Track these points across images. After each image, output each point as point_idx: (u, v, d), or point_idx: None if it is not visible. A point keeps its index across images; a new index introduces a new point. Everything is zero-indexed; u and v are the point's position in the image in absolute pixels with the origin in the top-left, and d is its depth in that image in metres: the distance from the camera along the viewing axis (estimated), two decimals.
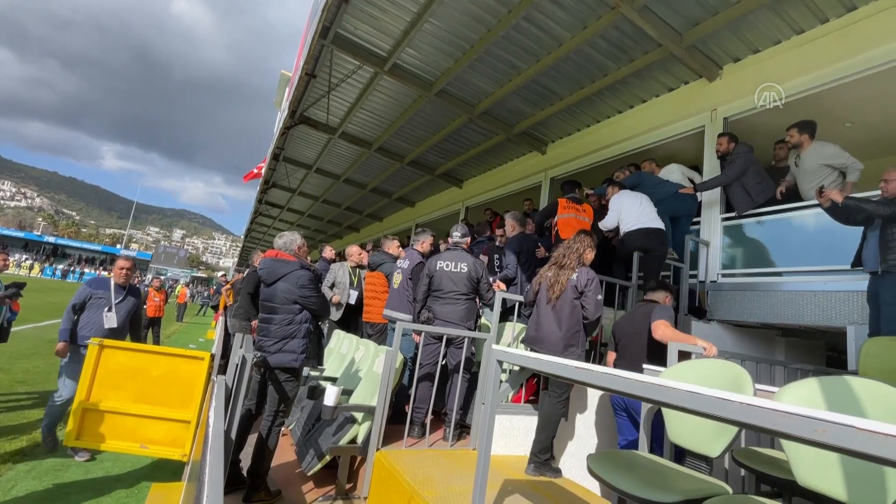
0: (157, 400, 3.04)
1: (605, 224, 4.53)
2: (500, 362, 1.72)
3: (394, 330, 3.21)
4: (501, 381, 1.81)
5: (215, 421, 1.62)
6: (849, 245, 3.65)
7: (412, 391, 3.31)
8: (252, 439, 2.79)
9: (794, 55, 4.30)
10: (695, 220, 4.87)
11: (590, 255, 3.00)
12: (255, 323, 3.06)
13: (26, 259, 46.82)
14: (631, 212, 4.25)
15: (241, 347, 2.11)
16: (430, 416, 3.14)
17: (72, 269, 47.30)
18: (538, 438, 2.80)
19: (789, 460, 1.53)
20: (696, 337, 2.72)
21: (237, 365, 1.65)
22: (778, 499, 2.45)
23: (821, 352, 5.17)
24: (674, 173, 5.05)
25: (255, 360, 2.59)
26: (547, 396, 2.89)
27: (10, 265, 6.75)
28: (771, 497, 2.50)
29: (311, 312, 2.82)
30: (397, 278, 3.99)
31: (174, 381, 3.07)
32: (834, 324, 3.58)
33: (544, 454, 2.78)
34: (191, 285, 27.18)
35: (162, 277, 15.09)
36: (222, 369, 3.16)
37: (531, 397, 3.45)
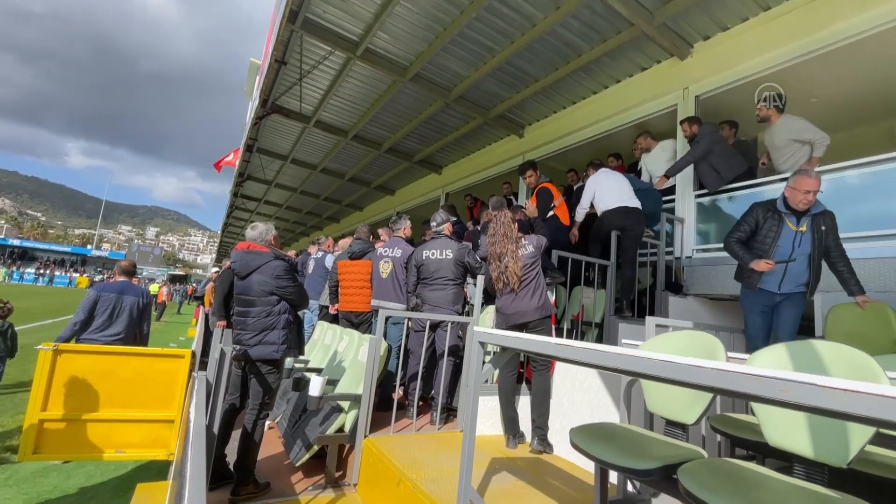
0: (131, 402, 2.95)
1: (580, 206, 4.56)
2: (483, 344, 1.74)
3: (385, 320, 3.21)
4: (484, 363, 1.83)
5: (196, 416, 1.59)
6: None
7: (399, 376, 3.34)
8: (237, 434, 2.77)
9: (761, 31, 4.38)
10: (670, 198, 4.95)
11: (510, 214, 3.09)
12: (221, 323, 3.00)
13: None
14: (609, 191, 4.30)
15: (220, 342, 2.08)
16: (418, 401, 3.18)
17: (41, 272, 45.55)
18: (539, 412, 2.89)
19: (760, 423, 1.59)
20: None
21: (217, 359, 1.62)
22: (752, 461, 2.58)
23: None
24: (667, 150, 5.11)
25: (234, 353, 2.56)
26: (535, 371, 2.96)
27: None
28: (745, 459, 2.63)
29: (290, 303, 2.78)
30: (386, 267, 3.97)
31: (150, 381, 2.98)
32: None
33: (546, 428, 2.87)
34: (168, 284, 26.50)
35: (138, 277, 14.67)
36: (204, 366, 3.11)
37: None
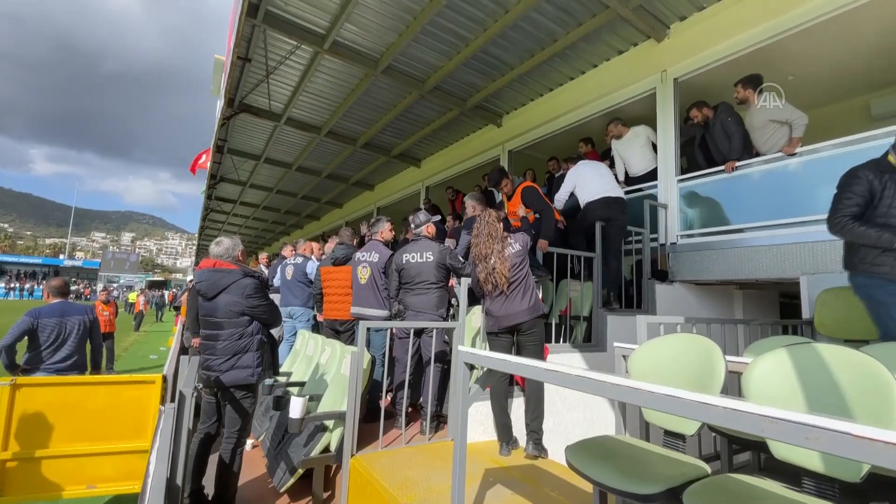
0: (102, 434, 2.77)
1: (557, 197, 4.44)
2: (470, 365, 1.62)
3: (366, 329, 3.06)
4: (471, 384, 1.71)
5: (157, 466, 1.44)
6: (798, 198, 3.77)
7: (385, 384, 3.21)
8: (213, 459, 2.61)
9: (737, 10, 4.30)
10: (651, 184, 4.89)
11: (494, 213, 2.97)
12: (196, 340, 2.82)
13: None
14: (590, 182, 4.20)
15: (184, 375, 1.91)
16: (407, 408, 3.06)
17: (12, 286, 43.85)
18: (533, 415, 2.79)
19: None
20: None
21: (175, 404, 1.47)
22: (745, 452, 2.55)
23: (775, 300, 5.43)
24: (640, 136, 5.01)
25: (202, 381, 2.39)
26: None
27: None
28: (740, 452, 2.60)
29: (262, 322, 2.61)
30: (364, 273, 3.80)
31: (120, 410, 2.81)
32: (787, 275, 3.71)
33: (541, 431, 2.78)
34: (145, 291, 25.77)
35: (113, 286, 14.15)
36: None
37: None
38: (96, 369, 4.06)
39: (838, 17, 3.76)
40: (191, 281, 8.96)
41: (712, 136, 4.42)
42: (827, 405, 1.30)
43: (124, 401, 2.86)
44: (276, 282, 5.44)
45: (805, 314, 3.39)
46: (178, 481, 1.54)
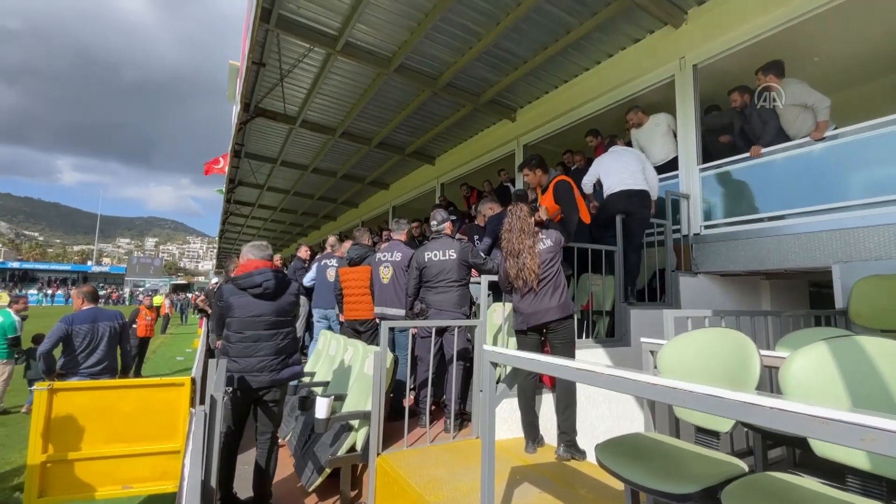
0: (136, 436, 2.85)
1: (583, 185, 4.39)
2: (495, 364, 1.60)
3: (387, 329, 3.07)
4: (499, 381, 1.70)
5: (191, 470, 1.47)
6: (828, 183, 3.64)
7: (409, 384, 3.23)
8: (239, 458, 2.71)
9: None
10: (673, 174, 4.78)
11: (526, 209, 2.88)
12: (219, 343, 2.90)
13: None
14: (611, 173, 4.12)
15: (213, 378, 1.95)
16: (431, 406, 3.07)
17: (43, 293, 45.48)
18: (564, 416, 2.75)
19: None
20: None
21: (207, 407, 1.50)
22: (779, 447, 2.47)
23: (804, 290, 5.26)
24: (661, 124, 4.91)
25: (240, 386, 2.49)
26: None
27: None
28: (775, 447, 2.52)
29: (292, 321, 2.84)
30: (386, 272, 3.82)
31: (151, 412, 2.88)
32: (818, 264, 3.58)
33: (573, 432, 2.73)
34: (171, 295, 26.46)
35: (140, 290, 14.55)
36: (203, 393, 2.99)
37: None
38: (125, 373, 4.18)
39: None
40: (214, 283, 9.05)
41: (749, 122, 4.29)
42: (874, 402, 1.25)
43: (155, 403, 2.94)
44: (308, 282, 5.40)
45: (838, 304, 3.27)
46: (213, 483, 1.57)
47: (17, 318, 5.98)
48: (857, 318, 2.79)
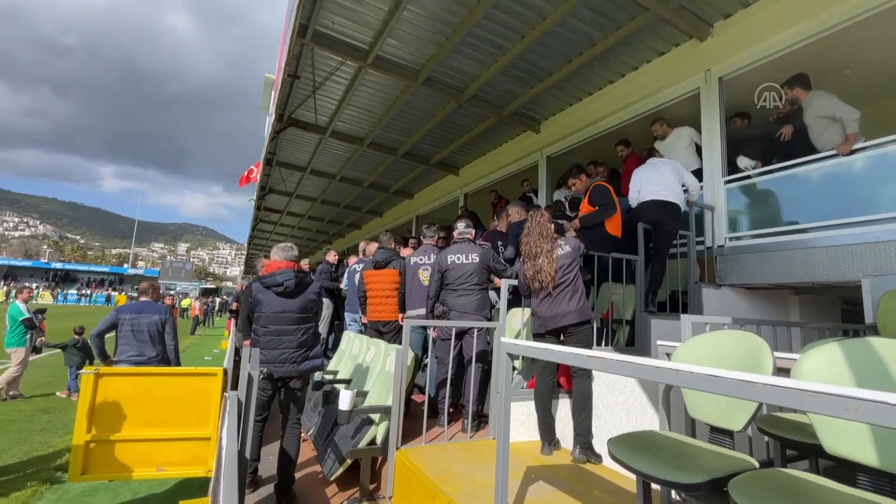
0: (170, 421, 3.03)
1: (629, 201, 4.42)
2: (512, 356, 1.68)
3: (410, 328, 3.19)
4: (514, 369, 1.78)
5: (228, 441, 1.60)
6: (857, 196, 3.58)
7: (427, 384, 3.32)
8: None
9: (786, 5, 4.15)
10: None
11: (546, 214, 3.03)
12: (247, 342, 3.08)
13: (37, 287, 47.22)
14: (649, 184, 4.15)
15: (248, 364, 2.09)
16: (449, 408, 3.15)
17: (83, 293, 47.77)
18: (580, 419, 2.79)
19: (814, 427, 1.48)
20: None
21: (247, 382, 1.63)
22: (803, 460, 2.43)
23: (835, 306, 5.11)
24: (683, 137, 4.92)
25: (267, 376, 2.64)
26: (576, 377, 2.88)
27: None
28: (797, 460, 2.48)
29: (315, 318, 2.96)
30: (426, 275, 3.95)
31: (186, 400, 3.06)
32: (847, 278, 3.51)
33: (590, 435, 2.77)
34: (200, 298, 27.34)
35: (172, 293, 15.17)
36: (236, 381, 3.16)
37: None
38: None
39: None
40: (241, 283, 9.41)
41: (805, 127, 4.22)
42: None
43: (189, 391, 3.12)
44: (344, 287, 5.56)
45: (868, 318, 3.20)
46: (247, 454, 1.69)
47: (22, 306, 6.79)
48: (885, 331, 2.74)
